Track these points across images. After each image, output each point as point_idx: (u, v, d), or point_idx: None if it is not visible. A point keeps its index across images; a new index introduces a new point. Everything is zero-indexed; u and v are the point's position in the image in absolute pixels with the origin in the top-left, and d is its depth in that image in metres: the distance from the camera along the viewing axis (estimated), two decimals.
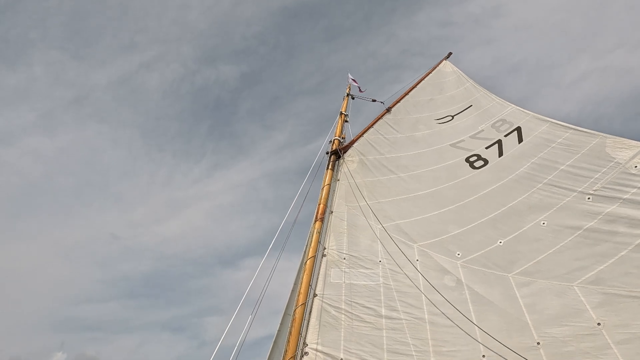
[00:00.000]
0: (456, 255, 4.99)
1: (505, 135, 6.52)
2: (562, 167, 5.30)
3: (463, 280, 4.64)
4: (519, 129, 6.41)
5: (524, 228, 4.92)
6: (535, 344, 3.71)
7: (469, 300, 4.42)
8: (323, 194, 6.08)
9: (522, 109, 6.73)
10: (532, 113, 6.53)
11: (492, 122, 6.93)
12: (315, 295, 4.86)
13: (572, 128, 5.70)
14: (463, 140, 6.87)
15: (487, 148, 6.59)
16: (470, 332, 4.03)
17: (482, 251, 4.90)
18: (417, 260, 5.01)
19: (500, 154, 6.38)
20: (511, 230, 4.97)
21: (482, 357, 3.84)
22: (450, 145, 6.86)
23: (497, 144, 6.58)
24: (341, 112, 7.92)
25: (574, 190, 4.84)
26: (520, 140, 6.44)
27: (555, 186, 5.09)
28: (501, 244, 4.89)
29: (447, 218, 5.56)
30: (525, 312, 4.02)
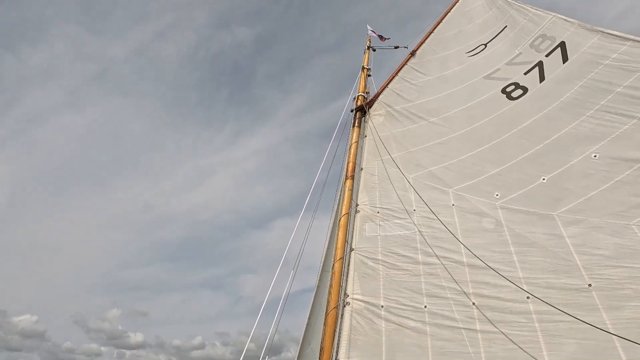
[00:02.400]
0: (494, 196, 4.51)
1: (547, 55, 5.50)
2: (618, 90, 4.37)
3: (503, 222, 4.22)
4: (562, 45, 5.35)
5: (572, 162, 4.25)
6: (587, 285, 3.31)
7: (509, 242, 4.03)
8: (351, 152, 5.75)
9: (564, 17, 5.55)
10: (577, 22, 5.36)
11: (530, 40, 5.86)
12: (352, 249, 4.77)
13: (630, 39, 4.60)
14: (498, 70, 5.96)
15: (525, 74, 5.66)
16: (513, 273, 3.70)
17: (523, 190, 4.37)
18: (453, 205, 4.63)
19: (542, 78, 5.44)
20: (556, 165, 4.33)
21: (526, 299, 3.54)
22: (484, 77, 6.00)
23: (537, 67, 5.60)
24: (363, 66, 7.23)
25: (633, 117, 4.00)
26: (564, 59, 5.39)
27: (609, 112, 4.24)
28: (545, 181, 4.30)
29: (484, 158, 4.99)
30: (573, 252, 3.57)
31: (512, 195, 4.41)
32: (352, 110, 6.22)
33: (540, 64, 5.64)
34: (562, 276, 3.50)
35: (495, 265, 3.93)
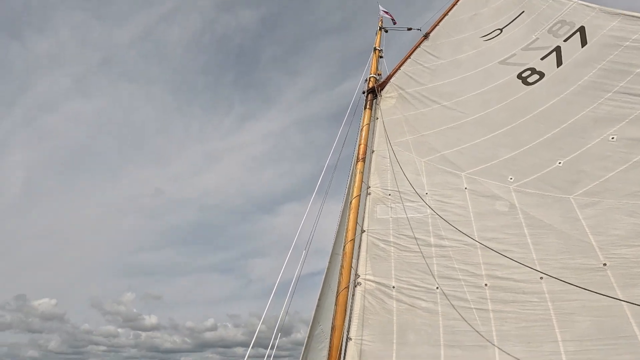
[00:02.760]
0: (508, 179, 4.49)
1: (565, 40, 5.40)
2: (638, 70, 4.29)
3: (517, 205, 4.21)
4: (581, 30, 5.25)
5: (589, 145, 4.20)
6: (602, 265, 3.30)
7: (523, 224, 4.03)
8: (363, 135, 5.74)
9: (585, 3, 5.44)
10: (598, 7, 5.24)
11: (549, 26, 5.76)
12: (363, 231, 4.80)
13: None
14: (514, 55, 5.87)
15: (542, 59, 5.57)
16: (526, 254, 3.71)
17: (539, 174, 4.34)
18: (466, 188, 4.62)
19: (559, 63, 5.35)
20: (573, 148, 4.28)
21: (539, 279, 3.55)
22: (499, 62, 5.92)
23: (554, 52, 5.51)
24: (375, 47, 7.15)
25: None
26: (583, 43, 5.28)
27: (628, 94, 4.17)
28: (560, 164, 4.27)
29: (498, 142, 4.95)
30: (588, 233, 3.56)
31: (527, 179, 4.39)
32: (363, 93, 6.19)
33: (557, 49, 5.54)
34: (577, 256, 3.50)
35: (508, 247, 3.94)
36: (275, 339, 4.70)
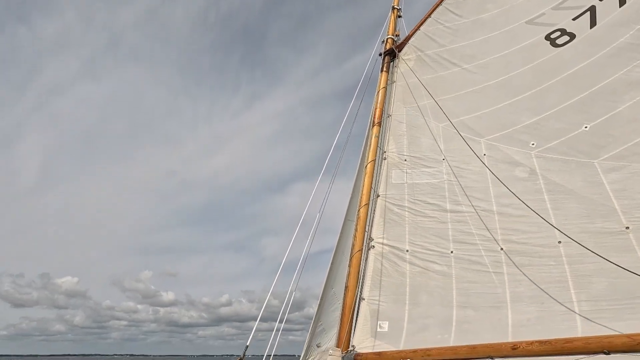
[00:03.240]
0: (530, 145, 4.37)
1: None
2: None
3: (537, 171, 4.12)
4: None
5: (619, 109, 4.02)
6: (624, 228, 3.25)
7: (543, 190, 3.96)
8: (379, 98, 5.60)
9: None
10: None
11: None
12: (378, 195, 4.79)
13: None
14: (543, 14, 5.53)
15: (574, 19, 5.24)
16: (545, 219, 3.66)
17: (563, 138, 4.20)
18: (485, 154, 4.52)
19: (593, 23, 5.03)
20: (601, 112, 4.11)
21: (557, 244, 3.53)
22: (525, 22, 5.60)
23: (588, 12, 5.17)
24: (393, 6, 6.79)
25: None
26: (622, 2, 4.93)
27: None
28: (587, 128, 4.11)
29: (521, 107, 4.78)
30: (612, 197, 3.48)
31: (550, 144, 4.26)
32: (380, 54, 5.97)
33: (592, 9, 5.19)
34: (598, 221, 3.44)
35: (526, 213, 3.89)
36: (285, 310, 4.81)
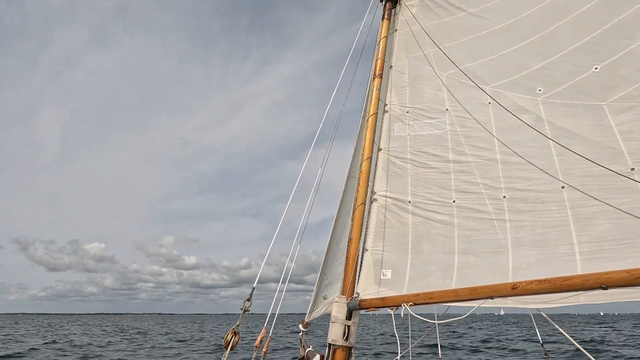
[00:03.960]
0: (537, 91, 4.23)
1: None
2: None
3: (543, 117, 4.02)
4: None
5: (632, 47, 3.83)
6: (629, 170, 3.21)
7: (549, 136, 3.88)
8: (380, 48, 5.37)
9: None
10: None
11: None
12: (380, 149, 4.74)
13: None
14: None
15: None
16: (549, 165, 3.63)
17: (571, 82, 4.05)
18: (489, 103, 4.40)
19: None
20: (613, 51, 3.92)
21: (560, 189, 3.52)
22: None
23: None
24: None
25: None
26: None
27: None
28: (597, 70, 3.95)
29: (528, 52, 4.57)
30: (619, 139, 3.41)
31: (558, 89, 4.12)
32: (381, 1, 5.66)
33: None
34: (603, 163, 3.40)
35: (530, 160, 3.86)
36: (289, 269, 4.90)
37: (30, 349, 19.38)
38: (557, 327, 2.86)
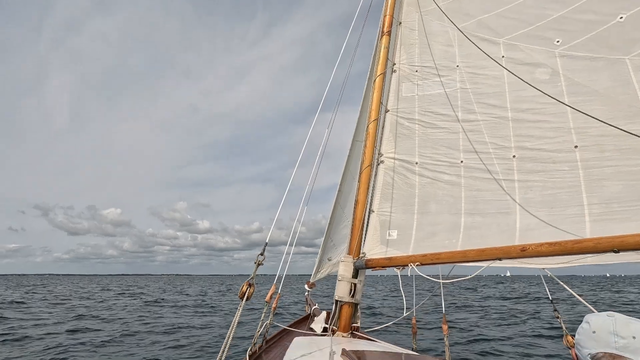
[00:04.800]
0: (554, 43, 3.97)
1: None
2: None
3: (560, 71, 3.79)
4: None
5: None
6: None
7: (564, 92, 3.69)
8: (389, 3, 5.03)
9: None
10: None
11: None
12: (387, 110, 4.59)
13: None
14: None
15: None
16: (562, 122, 3.48)
17: (592, 33, 3.77)
18: (503, 57, 4.16)
19: None
20: None
21: (573, 148, 3.39)
22: None
23: None
24: None
25: None
26: None
27: None
28: (622, 19, 3.65)
29: None
30: None
31: (577, 41, 3.85)
32: None
33: None
34: (621, 123, 3.24)
35: (544, 118, 3.70)
36: (296, 232, 4.89)
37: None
38: (565, 285, 2.87)
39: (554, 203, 3.32)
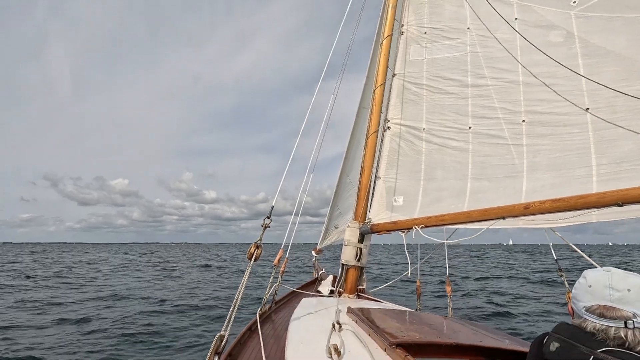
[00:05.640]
0: (570, 4, 3.79)
1: None
2: None
3: (575, 33, 3.65)
4: None
5: None
6: None
7: (578, 55, 3.57)
8: None
9: None
10: None
11: None
12: (394, 75, 4.48)
13: None
14: None
15: None
16: (575, 85, 3.39)
17: None
18: (516, 19, 4.00)
19: None
20: None
21: (585, 110, 3.33)
22: None
23: None
24: None
25: None
26: None
27: None
28: None
29: None
30: None
31: (595, 0, 3.68)
32: None
33: None
34: (636, 83, 3.15)
35: (556, 81, 3.60)
36: (301, 202, 4.86)
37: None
38: (570, 244, 2.91)
39: (562, 165, 3.30)
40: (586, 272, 1.24)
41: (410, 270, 3.93)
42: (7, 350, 6.22)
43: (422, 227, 3.52)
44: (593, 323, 1.14)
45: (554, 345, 1.16)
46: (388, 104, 4.43)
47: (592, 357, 1.06)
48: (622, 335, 1.08)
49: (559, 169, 3.31)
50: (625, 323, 1.08)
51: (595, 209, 2.60)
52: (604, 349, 1.07)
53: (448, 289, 3.87)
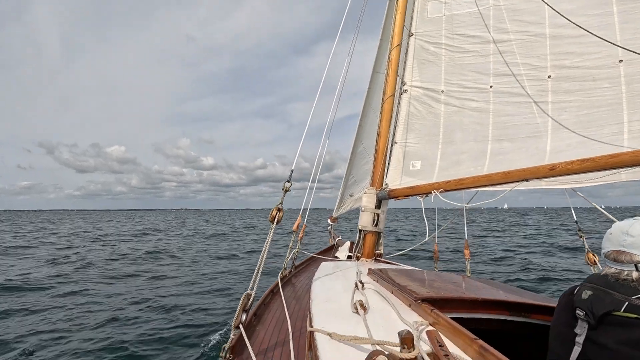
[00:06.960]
0: None
1: None
2: None
3: None
4: None
5: None
6: None
7: (613, 1, 3.28)
8: None
9: None
10: None
11: None
12: (410, 34, 4.25)
13: None
14: None
15: None
16: (609, 36, 3.14)
17: None
18: None
19: None
20: None
21: (618, 62, 3.10)
22: None
23: None
24: None
25: None
26: None
27: None
28: None
29: None
30: None
31: None
32: None
33: None
34: None
35: (589, 30, 3.34)
36: (317, 169, 4.80)
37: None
38: (594, 204, 2.82)
39: (590, 123, 3.14)
40: (615, 224, 1.26)
41: (429, 236, 3.92)
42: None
43: (441, 192, 3.46)
44: (610, 268, 1.18)
45: (586, 293, 1.18)
46: (404, 66, 4.24)
47: (626, 302, 1.06)
48: (634, 277, 1.11)
49: (586, 127, 3.14)
50: (636, 266, 1.11)
51: (627, 168, 2.48)
52: (639, 295, 1.07)
53: (466, 252, 3.86)
